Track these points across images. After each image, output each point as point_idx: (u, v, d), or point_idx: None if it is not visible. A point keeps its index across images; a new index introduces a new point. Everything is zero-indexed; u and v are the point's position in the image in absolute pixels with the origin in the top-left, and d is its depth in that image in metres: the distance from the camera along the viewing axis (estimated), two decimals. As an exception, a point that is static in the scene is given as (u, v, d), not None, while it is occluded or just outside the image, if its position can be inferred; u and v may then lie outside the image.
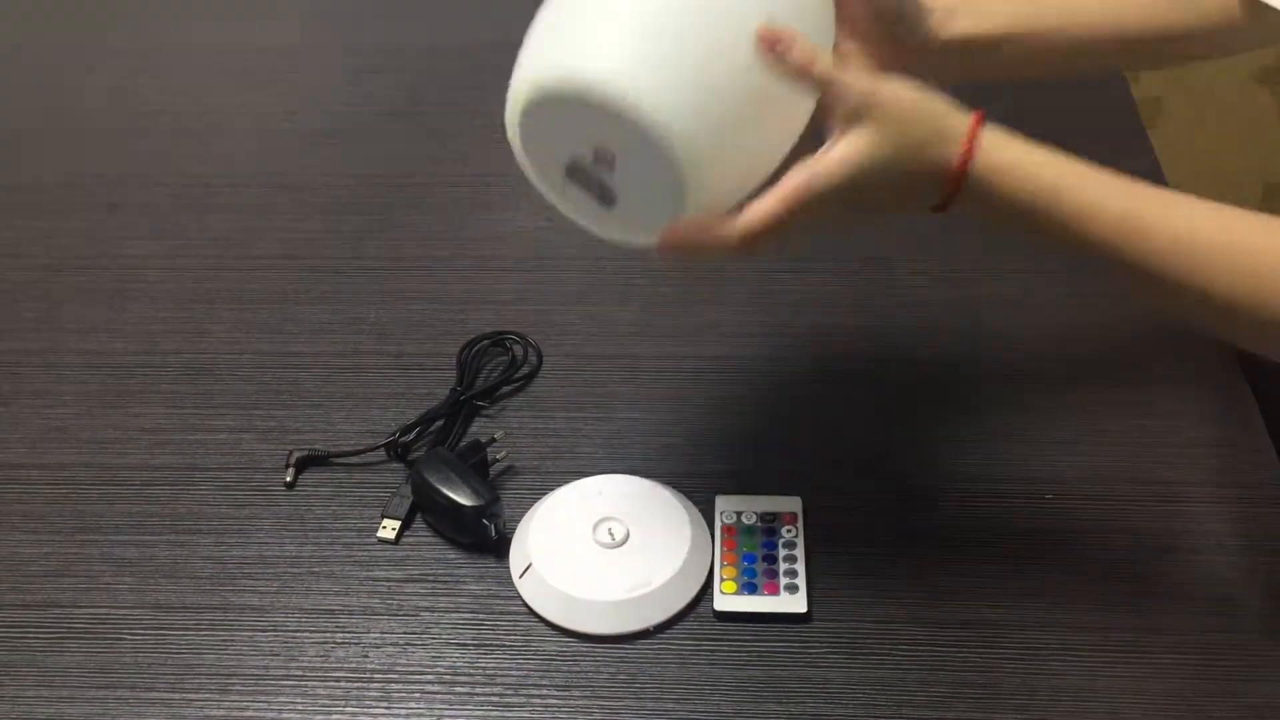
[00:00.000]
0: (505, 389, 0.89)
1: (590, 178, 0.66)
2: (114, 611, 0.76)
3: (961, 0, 0.75)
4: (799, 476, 0.82)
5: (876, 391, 0.88)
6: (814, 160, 0.62)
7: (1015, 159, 0.63)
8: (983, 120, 0.63)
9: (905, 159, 0.62)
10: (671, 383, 0.89)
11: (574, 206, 0.69)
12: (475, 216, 1.04)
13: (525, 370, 0.90)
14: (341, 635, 0.74)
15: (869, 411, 0.87)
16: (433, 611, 0.75)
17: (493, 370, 0.90)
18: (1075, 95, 1.13)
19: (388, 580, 0.77)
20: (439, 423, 0.85)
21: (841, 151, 0.62)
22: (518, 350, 0.91)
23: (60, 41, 1.27)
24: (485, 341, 0.91)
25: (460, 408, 0.86)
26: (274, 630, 0.74)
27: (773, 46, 0.61)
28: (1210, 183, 1.65)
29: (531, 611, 0.75)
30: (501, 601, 0.76)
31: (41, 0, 1.34)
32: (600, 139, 0.63)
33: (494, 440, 0.83)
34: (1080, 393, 0.88)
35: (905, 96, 0.63)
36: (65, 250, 1.02)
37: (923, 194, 0.64)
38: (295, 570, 0.78)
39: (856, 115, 0.61)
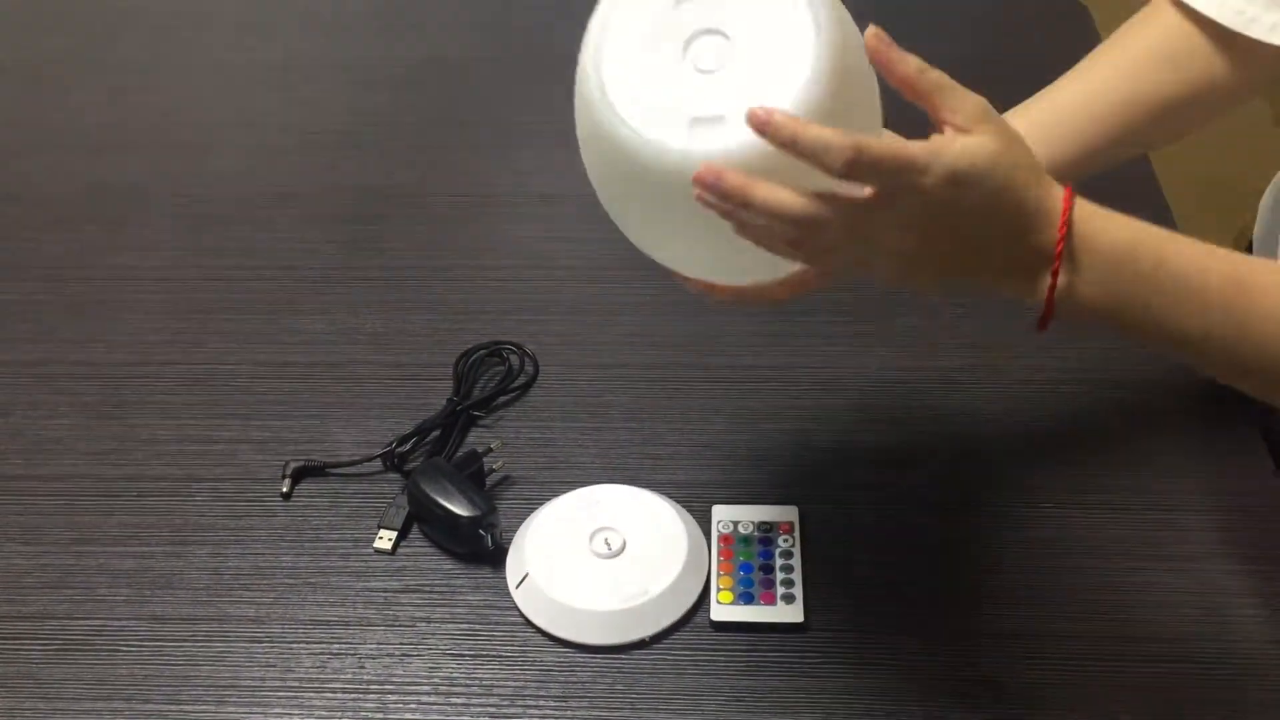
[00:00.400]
0: (502, 399, 0.89)
1: (707, 86, 0.59)
2: (110, 623, 0.76)
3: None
4: (795, 486, 0.82)
5: (873, 400, 0.88)
6: (939, 137, 0.58)
7: (1110, 213, 0.61)
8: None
9: (1016, 178, 0.58)
10: (668, 392, 0.89)
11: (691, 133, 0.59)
12: (472, 227, 1.04)
13: (522, 380, 0.90)
14: (338, 646, 0.74)
15: (866, 420, 0.87)
16: (429, 622, 0.75)
17: (489, 380, 0.90)
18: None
19: (384, 591, 0.77)
20: (435, 433, 0.85)
21: (962, 140, 0.58)
22: (514, 360, 0.91)
23: (58, 53, 1.27)
24: (482, 351, 0.91)
25: (457, 418, 0.86)
26: (270, 642, 0.74)
27: (884, 53, 0.58)
28: (1206, 192, 1.65)
29: (528, 622, 0.75)
30: (498, 612, 0.76)
31: (40, 12, 1.34)
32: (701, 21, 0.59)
33: (490, 450, 0.83)
34: (1075, 402, 0.88)
35: (1009, 124, 0.60)
36: (62, 262, 1.02)
37: (1030, 233, 0.59)
38: (291, 581, 0.78)
39: (976, 119, 0.58)
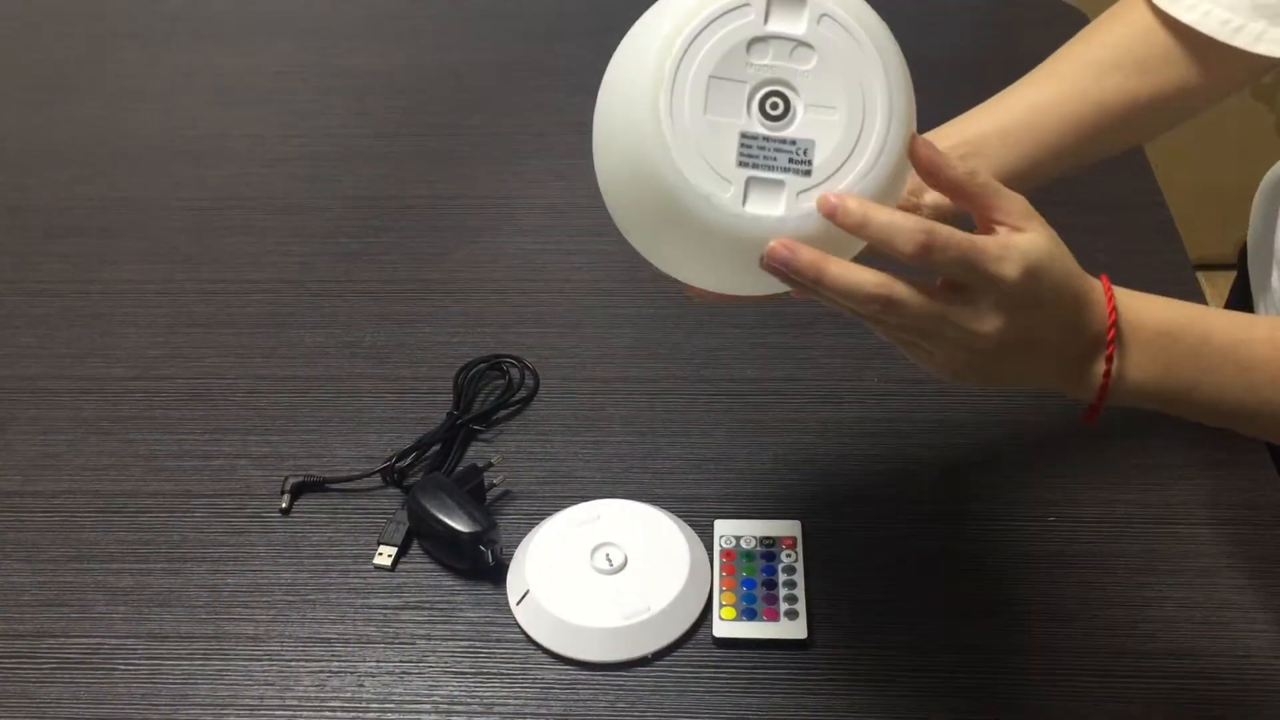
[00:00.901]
0: (502, 413, 0.88)
1: (769, 145, 0.58)
2: (107, 641, 0.75)
3: (942, 129, 0.75)
4: (798, 500, 0.82)
5: (874, 413, 0.88)
6: (1008, 232, 0.57)
7: (1147, 295, 0.61)
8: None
9: (1071, 270, 0.59)
10: (669, 406, 0.88)
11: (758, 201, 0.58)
12: (472, 239, 1.04)
13: (522, 394, 0.89)
14: (337, 664, 0.74)
15: (867, 433, 0.86)
16: (429, 639, 0.75)
17: (489, 394, 0.90)
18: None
19: (384, 608, 0.77)
20: (435, 447, 0.85)
21: (1024, 235, 0.57)
22: (514, 373, 0.91)
23: (57, 65, 1.27)
24: (482, 365, 0.91)
25: (457, 432, 0.86)
26: (269, 659, 0.74)
27: (932, 159, 0.57)
28: (1207, 199, 1.65)
29: (529, 639, 0.74)
30: (499, 629, 0.75)
31: (36, 23, 1.34)
32: (769, 71, 0.57)
33: (490, 465, 0.82)
34: (1078, 412, 0.87)
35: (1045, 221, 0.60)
36: (59, 275, 1.01)
37: (1083, 323, 0.59)
38: (290, 598, 0.77)
39: (1024, 217, 0.57)
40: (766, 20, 0.57)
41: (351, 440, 0.87)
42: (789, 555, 0.78)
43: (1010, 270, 0.56)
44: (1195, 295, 0.96)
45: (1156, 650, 0.73)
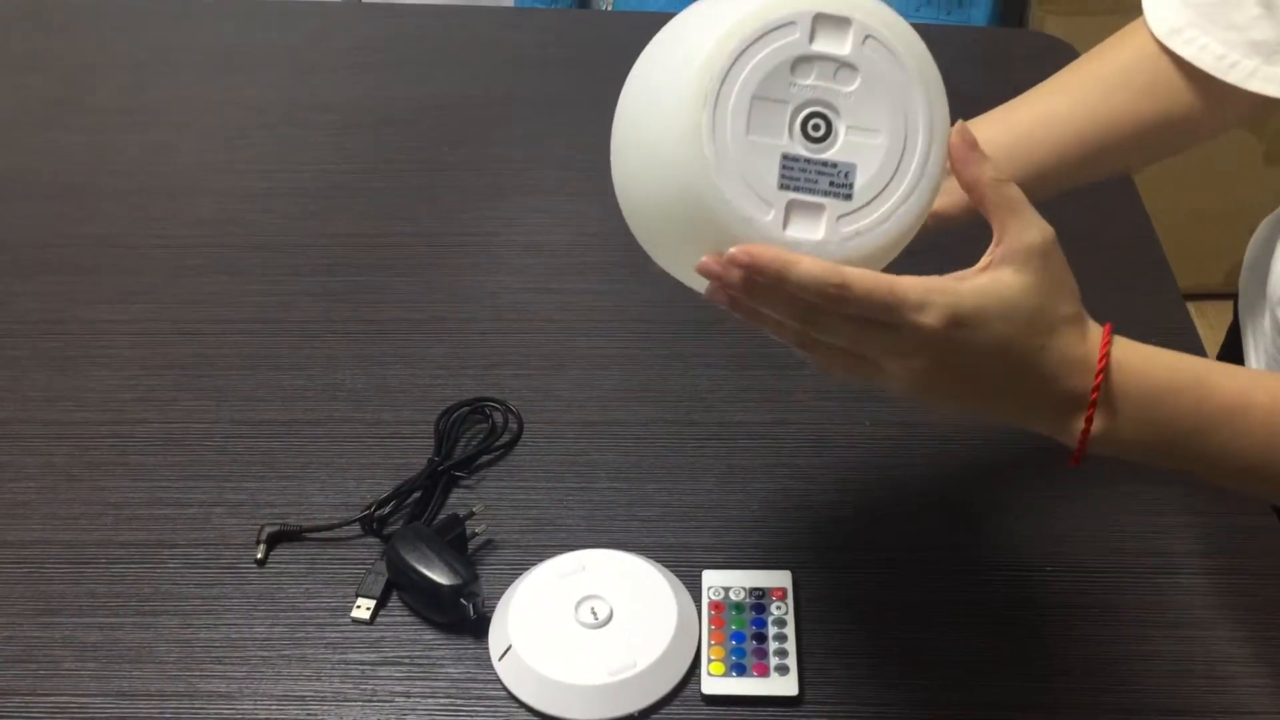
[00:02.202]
0: (485, 458, 0.86)
1: (810, 168, 0.56)
2: (76, 699, 0.73)
3: None
4: (788, 549, 0.80)
5: (866, 458, 0.86)
6: (932, 280, 0.56)
7: (1149, 351, 0.60)
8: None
9: (1040, 323, 0.57)
10: (655, 451, 0.86)
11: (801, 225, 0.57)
12: (455, 278, 1.02)
13: (505, 438, 0.87)
14: (313, 724, 0.71)
15: (859, 479, 0.85)
16: (408, 696, 0.72)
17: (472, 438, 0.88)
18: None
19: (361, 663, 0.74)
20: (416, 494, 0.83)
21: (980, 281, 0.56)
22: (498, 417, 0.88)
23: (32, 97, 1.25)
24: (464, 409, 0.89)
25: (438, 479, 0.84)
26: (242, 719, 0.71)
27: (966, 154, 0.56)
28: (1195, 226, 1.64)
29: (512, 696, 0.72)
30: (480, 685, 0.73)
31: (14, 54, 1.32)
32: (808, 95, 0.56)
33: (472, 514, 0.80)
34: (1079, 464, 0.86)
35: (1065, 268, 0.58)
36: (29, 314, 0.99)
37: (1062, 378, 0.57)
38: (265, 654, 0.75)
39: (1021, 255, 0.56)
40: (812, 40, 0.56)
41: (330, 487, 0.84)
42: (779, 607, 0.76)
43: (929, 319, 0.54)
44: (1186, 329, 0.95)
45: (1158, 706, 0.71)
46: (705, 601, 0.76)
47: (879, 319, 0.55)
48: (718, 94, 0.55)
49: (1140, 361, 0.59)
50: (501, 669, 0.73)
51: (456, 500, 0.83)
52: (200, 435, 0.88)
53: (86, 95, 1.25)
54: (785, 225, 0.56)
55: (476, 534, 0.80)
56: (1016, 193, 0.57)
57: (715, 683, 0.72)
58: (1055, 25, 1.80)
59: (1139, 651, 0.74)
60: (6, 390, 0.92)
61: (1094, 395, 0.58)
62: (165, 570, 0.79)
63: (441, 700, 0.72)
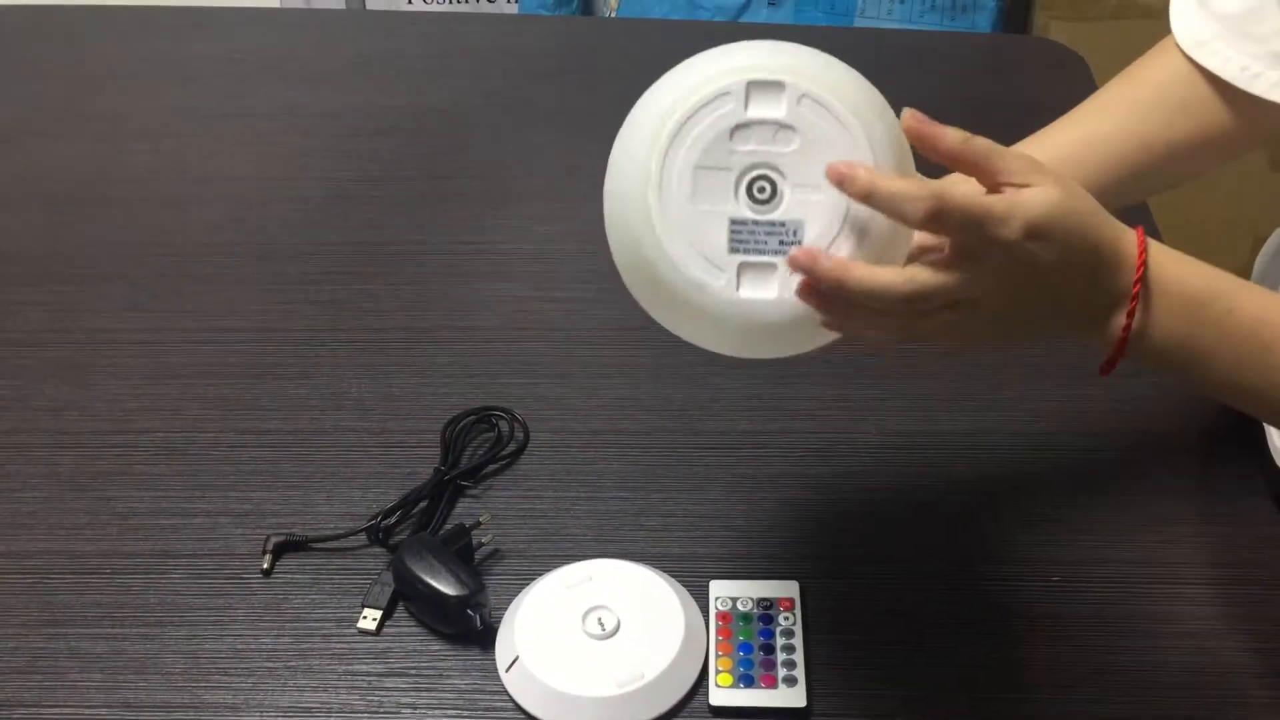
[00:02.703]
0: (491, 467, 0.86)
1: (759, 230, 0.58)
2: (81, 711, 0.72)
3: None
4: (796, 559, 0.80)
5: (873, 467, 0.86)
6: (1012, 191, 0.57)
7: (1181, 256, 0.61)
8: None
9: (1087, 223, 0.58)
10: (662, 460, 0.86)
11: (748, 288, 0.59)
12: (459, 286, 1.01)
13: (512, 448, 0.87)
14: (319, 735, 0.71)
15: (866, 488, 0.84)
16: (415, 708, 0.72)
17: (478, 447, 0.87)
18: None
19: (368, 674, 0.74)
20: (422, 504, 0.83)
21: (1029, 193, 0.56)
22: (504, 426, 0.88)
23: (36, 106, 1.25)
24: (471, 417, 0.88)
25: (444, 488, 0.84)
26: (249, 730, 0.71)
27: (922, 125, 0.57)
28: (1201, 235, 1.64)
29: (519, 708, 0.72)
30: (487, 696, 0.73)
31: (18, 66, 1.32)
32: (754, 157, 0.58)
33: (479, 524, 0.80)
34: (1085, 473, 0.86)
35: (1062, 173, 0.59)
36: (35, 324, 0.99)
37: (1104, 278, 0.59)
38: (271, 664, 0.74)
39: (1029, 173, 0.57)
40: (747, 107, 0.58)
41: (336, 496, 0.84)
42: (787, 618, 0.75)
43: (1010, 232, 0.56)
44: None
45: (1170, 718, 0.71)
46: (713, 612, 0.76)
47: (965, 241, 0.56)
48: (661, 171, 0.58)
49: (1173, 264, 0.60)
50: (508, 680, 0.73)
51: (463, 510, 0.83)
52: (206, 445, 0.88)
53: (92, 105, 1.25)
54: (738, 288, 0.58)
55: (483, 544, 0.80)
56: (985, 139, 0.57)
57: (723, 694, 0.72)
58: (1059, 31, 1.79)
59: (1148, 663, 0.74)
60: (12, 400, 0.92)
61: (1135, 290, 0.59)
62: (171, 580, 0.79)
63: (448, 711, 0.72)
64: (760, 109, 0.58)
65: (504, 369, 0.93)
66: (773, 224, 0.58)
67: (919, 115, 0.57)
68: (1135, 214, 1.08)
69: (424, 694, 0.73)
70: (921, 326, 0.58)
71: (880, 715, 0.71)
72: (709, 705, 0.71)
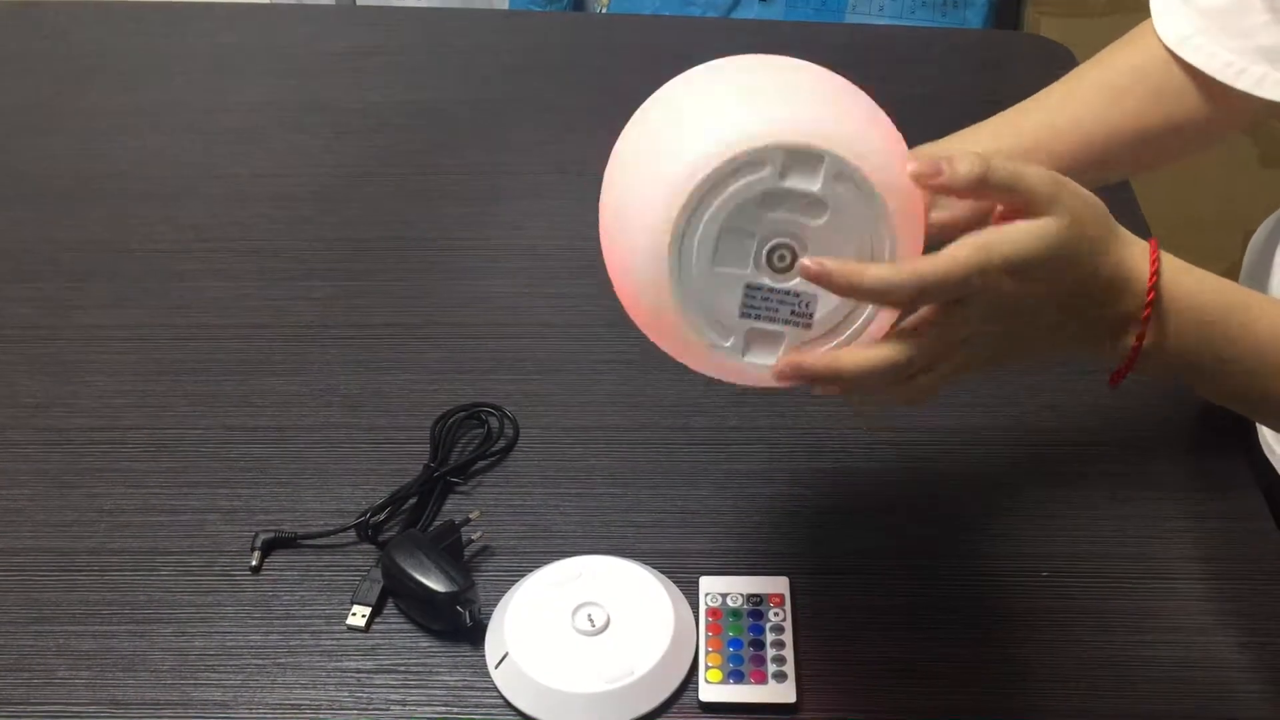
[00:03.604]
0: (481, 464, 0.86)
1: (773, 297, 0.57)
2: (69, 708, 0.72)
3: (947, 143, 0.74)
4: (785, 555, 0.80)
5: (863, 464, 0.86)
6: (991, 229, 0.56)
7: (1193, 271, 0.60)
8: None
9: (1085, 250, 0.57)
10: (651, 456, 0.86)
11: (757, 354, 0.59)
12: (449, 281, 1.01)
13: (501, 444, 0.87)
14: (308, 732, 0.71)
15: (856, 484, 0.84)
16: (404, 705, 0.72)
17: (468, 444, 0.87)
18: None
19: (357, 671, 0.74)
20: (412, 501, 0.82)
21: (1028, 225, 0.55)
22: (494, 423, 0.88)
23: (23, 101, 1.24)
24: (460, 414, 0.88)
25: (434, 485, 0.83)
26: (237, 728, 0.71)
27: (936, 174, 0.55)
28: (1192, 230, 1.64)
29: (508, 704, 0.72)
30: (476, 693, 0.73)
31: (4, 59, 1.31)
32: (779, 227, 0.56)
33: (469, 520, 0.80)
34: (1075, 468, 0.86)
35: (1079, 188, 0.57)
36: (22, 320, 0.98)
37: (1109, 303, 0.58)
38: (260, 661, 0.74)
39: (1042, 203, 0.56)
40: (784, 177, 0.55)
41: (325, 493, 0.84)
42: (777, 613, 0.75)
43: (989, 279, 0.55)
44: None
45: (1157, 713, 0.71)
46: (702, 608, 0.76)
47: (954, 297, 0.56)
48: (685, 228, 0.56)
49: (1188, 281, 0.60)
50: (498, 676, 0.73)
51: (452, 506, 0.83)
52: (194, 441, 0.88)
53: (79, 99, 1.24)
54: (744, 353, 0.58)
55: (472, 540, 0.79)
56: (999, 163, 0.56)
57: (712, 690, 0.72)
58: (1050, 27, 1.79)
59: (1138, 657, 0.74)
60: (1, 396, 0.92)
61: (1145, 314, 0.58)
62: (159, 578, 0.79)
63: (438, 708, 0.72)
64: (796, 181, 0.55)
65: (493, 365, 0.93)
66: (787, 293, 0.57)
67: (924, 166, 0.55)
68: (1126, 210, 1.09)
69: (413, 690, 0.73)
70: (922, 383, 0.58)
71: (869, 710, 0.71)
72: (699, 701, 0.71)
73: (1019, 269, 0.55)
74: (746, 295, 0.57)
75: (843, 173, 0.55)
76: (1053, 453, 0.87)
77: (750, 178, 0.55)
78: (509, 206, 1.09)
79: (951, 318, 0.56)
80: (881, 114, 0.59)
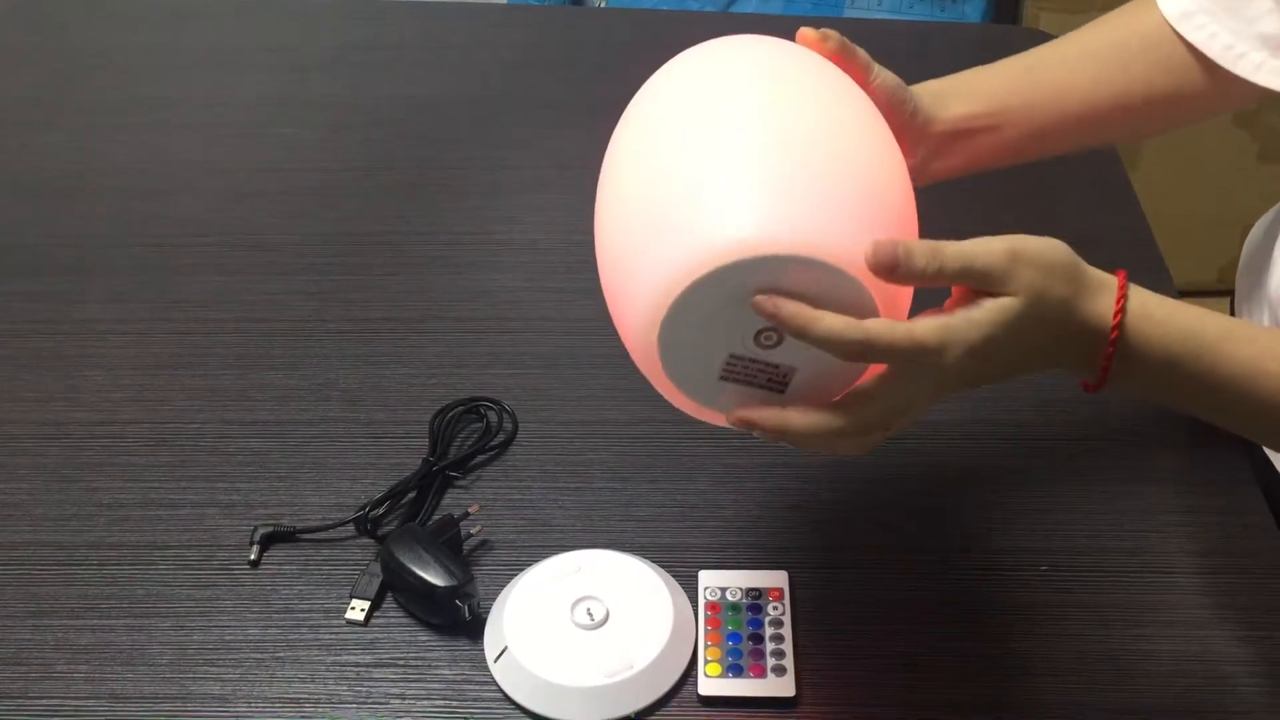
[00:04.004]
0: (480, 458, 0.86)
1: (752, 366, 0.60)
2: (68, 702, 0.72)
3: (950, 84, 0.74)
4: (784, 549, 0.80)
5: (864, 460, 0.85)
6: (952, 315, 0.58)
7: (1173, 309, 0.61)
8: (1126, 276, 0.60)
9: (1049, 317, 0.58)
10: (650, 450, 0.86)
11: (729, 400, 0.62)
12: (448, 276, 1.01)
13: (500, 438, 0.87)
14: (307, 726, 0.71)
15: (855, 479, 0.84)
16: (403, 698, 0.72)
17: (467, 438, 0.87)
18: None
19: (356, 665, 0.74)
20: (410, 495, 0.82)
21: (987, 307, 0.57)
22: (492, 417, 0.88)
23: (22, 95, 1.24)
24: (459, 408, 0.88)
25: (433, 479, 0.83)
26: (236, 721, 0.71)
27: (892, 271, 0.56)
28: (1191, 226, 1.64)
29: (507, 698, 0.72)
30: (475, 687, 0.73)
31: (2, 53, 1.31)
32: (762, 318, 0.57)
33: (468, 515, 0.80)
34: (1074, 462, 0.86)
35: (1044, 249, 0.58)
36: (20, 314, 0.98)
37: (1073, 352, 0.60)
38: (259, 655, 0.74)
39: (1001, 280, 0.57)
40: (781, 278, 0.56)
41: (324, 487, 0.84)
42: (776, 607, 0.75)
43: (949, 359, 0.57)
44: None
45: (1155, 706, 0.71)
46: (702, 602, 0.76)
47: (905, 367, 0.58)
48: (679, 306, 0.57)
49: (1155, 327, 0.60)
50: (497, 670, 0.73)
51: (451, 501, 0.83)
52: (193, 436, 0.88)
53: (76, 94, 1.24)
54: (717, 403, 0.62)
55: (471, 535, 0.80)
56: (952, 253, 0.57)
57: (712, 684, 0.72)
58: (1049, 22, 1.79)
59: (1136, 651, 0.74)
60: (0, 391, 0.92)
61: (1105, 365, 0.60)
62: (158, 572, 0.79)
63: (437, 702, 0.72)
64: (794, 284, 0.56)
65: (493, 360, 0.93)
66: (767, 364, 0.59)
67: (881, 257, 0.56)
68: (1127, 206, 1.09)
69: (412, 684, 0.73)
70: (872, 439, 0.61)
71: (868, 704, 0.71)
72: (698, 695, 0.71)
73: (980, 351, 0.57)
74: (729, 362, 0.59)
75: (825, 267, 0.56)
76: (1051, 447, 0.87)
77: (742, 278, 0.56)
78: (508, 201, 1.09)
79: (906, 384, 0.58)
80: (869, 173, 0.60)
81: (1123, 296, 0.59)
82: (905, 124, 0.69)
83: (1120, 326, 0.59)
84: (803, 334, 0.56)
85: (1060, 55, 0.78)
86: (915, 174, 0.65)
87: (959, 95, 0.74)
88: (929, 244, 0.56)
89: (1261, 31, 0.72)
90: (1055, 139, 0.77)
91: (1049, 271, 0.58)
